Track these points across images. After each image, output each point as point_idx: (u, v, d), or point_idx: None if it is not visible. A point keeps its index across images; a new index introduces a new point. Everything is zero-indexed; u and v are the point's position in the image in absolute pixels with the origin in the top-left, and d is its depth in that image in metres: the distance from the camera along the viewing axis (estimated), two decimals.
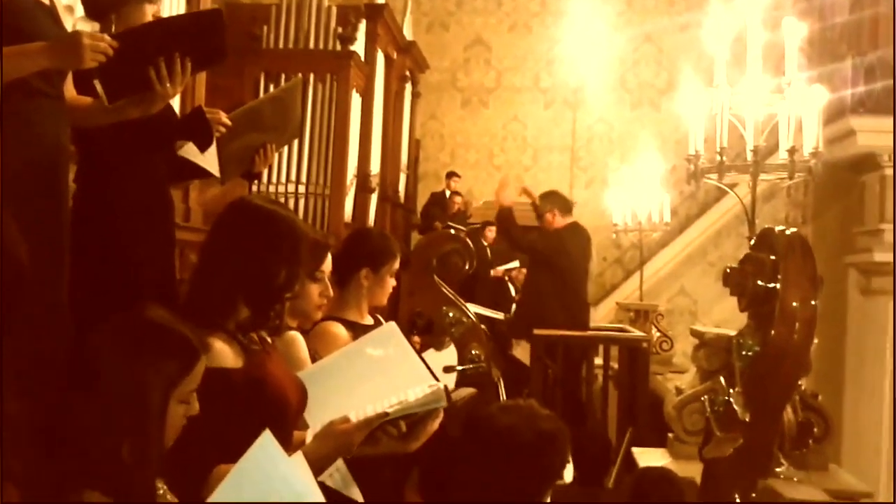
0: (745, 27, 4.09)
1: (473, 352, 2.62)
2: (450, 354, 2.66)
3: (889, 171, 6.73)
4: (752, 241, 1.77)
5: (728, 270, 1.76)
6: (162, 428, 1.47)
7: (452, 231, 3.24)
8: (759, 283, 1.68)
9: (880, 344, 6.85)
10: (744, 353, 1.66)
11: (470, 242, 2.77)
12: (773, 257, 1.66)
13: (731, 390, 1.62)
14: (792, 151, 3.96)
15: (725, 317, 9.76)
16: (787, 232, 1.70)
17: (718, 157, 3.97)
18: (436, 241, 2.76)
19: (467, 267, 2.69)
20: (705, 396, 1.69)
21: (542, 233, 6.36)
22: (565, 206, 6.50)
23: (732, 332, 4.00)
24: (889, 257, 6.39)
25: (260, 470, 1.50)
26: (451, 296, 2.65)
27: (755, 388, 1.61)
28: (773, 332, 1.62)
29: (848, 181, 8.49)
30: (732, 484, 1.62)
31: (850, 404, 7.16)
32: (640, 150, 9.42)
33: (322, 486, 1.95)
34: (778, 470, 2.88)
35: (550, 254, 6.19)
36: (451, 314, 2.62)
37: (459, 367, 2.58)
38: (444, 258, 2.65)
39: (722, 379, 1.66)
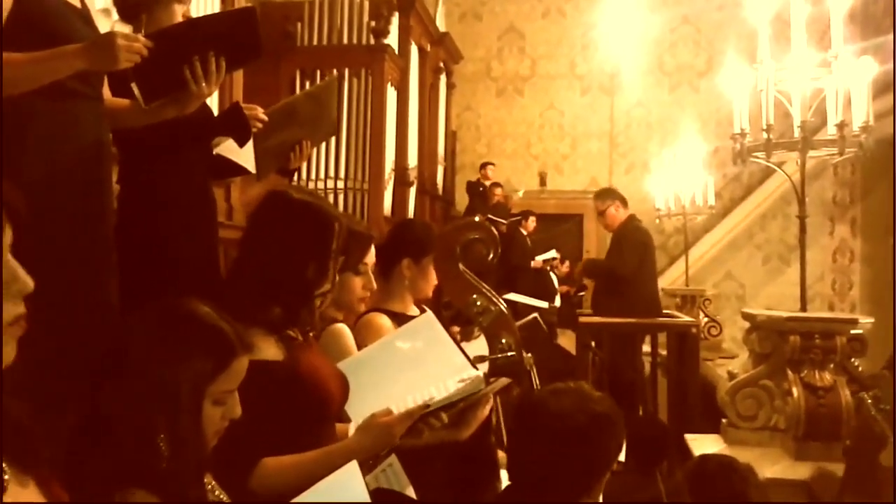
0: (787, 1, 3.97)
1: (503, 340, 2.57)
2: (479, 344, 2.62)
3: None
4: None
5: None
6: (198, 424, 1.40)
7: (477, 219, 3.17)
8: None
9: None
10: None
11: (494, 230, 2.71)
12: None
13: None
14: (841, 126, 3.83)
15: (773, 301, 9.60)
16: None
17: (765, 135, 3.85)
18: (457, 231, 2.70)
19: (491, 256, 2.62)
20: (870, 394, 1.58)
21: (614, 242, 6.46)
22: (623, 199, 6.50)
23: (785, 315, 3.93)
24: None
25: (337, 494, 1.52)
26: (477, 284, 2.60)
27: None
28: None
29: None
30: None
31: None
32: (680, 133, 9.27)
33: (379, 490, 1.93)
34: None
35: (633, 248, 6.25)
36: (478, 303, 2.57)
37: (490, 357, 2.55)
38: (467, 247, 2.60)
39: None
